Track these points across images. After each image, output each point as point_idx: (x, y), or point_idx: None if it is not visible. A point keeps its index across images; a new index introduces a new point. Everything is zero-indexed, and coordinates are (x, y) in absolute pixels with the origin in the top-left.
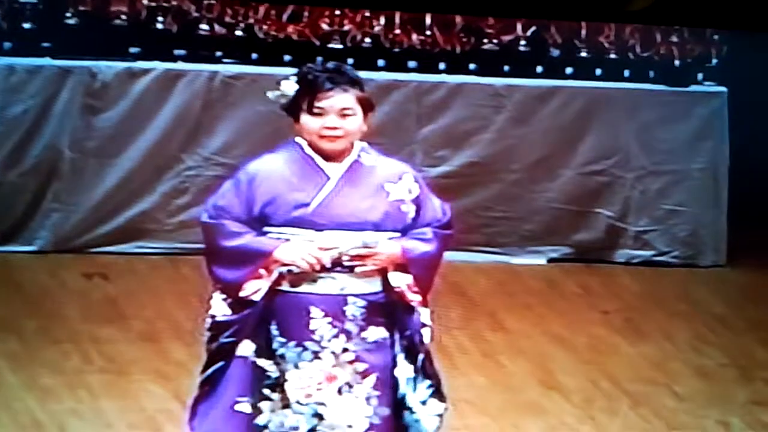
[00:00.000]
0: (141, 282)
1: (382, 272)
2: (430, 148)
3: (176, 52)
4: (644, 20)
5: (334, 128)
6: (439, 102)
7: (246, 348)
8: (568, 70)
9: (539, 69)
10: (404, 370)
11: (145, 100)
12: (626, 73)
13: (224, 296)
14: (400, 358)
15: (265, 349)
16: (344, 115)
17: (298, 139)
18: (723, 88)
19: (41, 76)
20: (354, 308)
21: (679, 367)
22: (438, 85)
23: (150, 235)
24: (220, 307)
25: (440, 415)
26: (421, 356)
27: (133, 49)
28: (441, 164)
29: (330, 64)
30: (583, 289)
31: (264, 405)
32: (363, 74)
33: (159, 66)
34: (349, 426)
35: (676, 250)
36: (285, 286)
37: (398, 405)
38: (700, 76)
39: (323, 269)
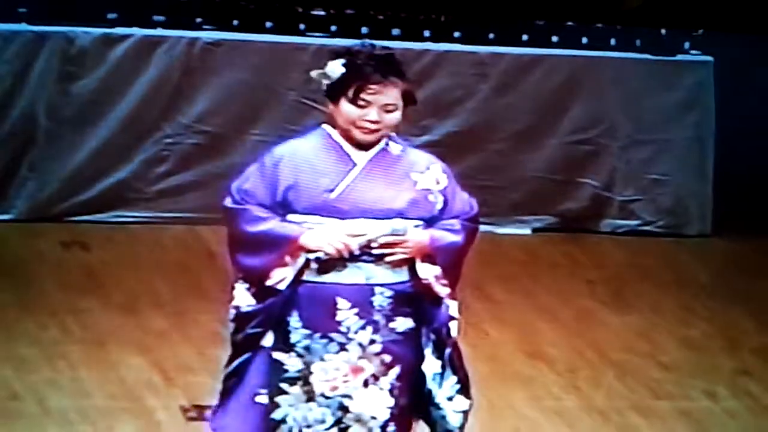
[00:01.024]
0: (120, 251)
1: (410, 262)
2: (414, 116)
3: (155, 18)
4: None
5: (375, 122)
6: (423, 70)
7: (269, 339)
8: (554, 39)
9: (525, 37)
10: (431, 365)
11: (123, 67)
12: (612, 41)
13: (248, 285)
14: (428, 352)
15: (283, 342)
16: (387, 110)
17: (326, 126)
18: (709, 58)
19: (17, 41)
20: (381, 298)
21: (665, 337)
22: (422, 53)
23: (129, 203)
24: (243, 297)
25: (465, 412)
26: (448, 350)
27: (110, 15)
28: (424, 133)
29: (379, 51)
30: (568, 259)
31: (281, 399)
32: (345, 42)
33: (137, 32)
34: (373, 417)
35: (662, 220)
36: (309, 276)
37: (424, 400)
38: (686, 45)
39: (350, 257)
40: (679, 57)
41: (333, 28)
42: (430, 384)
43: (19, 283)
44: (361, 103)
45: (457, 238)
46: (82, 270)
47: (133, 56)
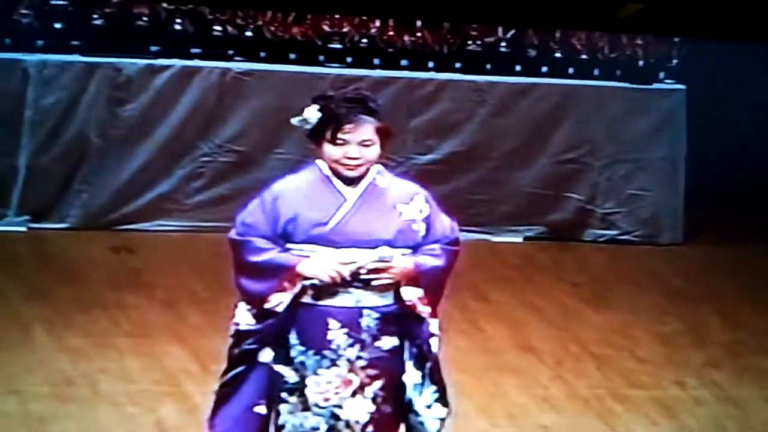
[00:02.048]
0: (162, 255)
1: (395, 286)
2: (420, 137)
3: (192, 50)
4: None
5: (355, 158)
6: (428, 96)
7: (266, 355)
8: (544, 69)
9: (518, 68)
10: (412, 376)
11: (165, 94)
12: (595, 71)
13: (249, 307)
14: (409, 365)
15: (284, 357)
16: (365, 145)
17: (318, 162)
18: (682, 86)
19: (71, 70)
20: (369, 320)
21: (641, 334)
22: (427, 82)
23: (169, 214)
24: (244, 317)
25: (443, 419)
26: (428, 364)
27: (153, 48)
28: (429, 152)
29: (350, 93)
30: (556, 263)
31: (282, 407)
32: (359, 71)
33: (177, 63)
34: (356, 421)
35: (639, 230)
36: (306, 299)
37: (405, 408)
38: (661, 74)
39: (342, 283)
40: (655, 86)
41: (348, 59)
42: (411, 393)
43: (74, 283)
44: (339, 142)
45: (439, 262)
46: (129, 271)
47: (173, 84)
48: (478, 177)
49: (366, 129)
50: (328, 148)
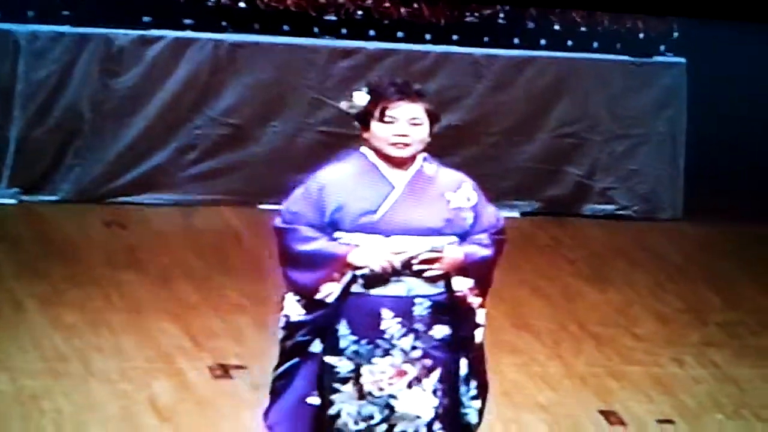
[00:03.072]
0: (155, 230)
1: (445, 276)
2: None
3: (185, 21)
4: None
5: (404, 135)
6: (425, 71)
7: (317, 346)
8: (542, 42)
9: (516, 40)
10: (461, 367)
11: (158, 65)
12: (595, 44)
13: (298, 298)
14: (461, 355)
15: (334, 347)
16: (413, 124)
17: (364, 149)
18: (682, 59)
19: (62, 42)
20: (421, 308)
21: (639, 311)
22: (424, 56)
23: (162, 187)
24: (294, 308)
25: (481, 411)
26: (472, 354)
27: (145, 18)
28: None
29: (398, 79)
30: (554, 240)
31: (335, 397)
32: (355, 44)
33: (170, 34)
34: (418, 417)
35: (638, 205)
36: (356, 288)
37: (455, 399)
38: (662, 47)
39: (393, 272)
40: (655, 59)
41: (343, 31)
42: (460, 384)
43: (66, 258)
44: (388, 119)
45: (488, 252)
46: (122, 246)
47: (167, 56)
48: (476, 152)
49: (415, 107)
50: (376, 128)
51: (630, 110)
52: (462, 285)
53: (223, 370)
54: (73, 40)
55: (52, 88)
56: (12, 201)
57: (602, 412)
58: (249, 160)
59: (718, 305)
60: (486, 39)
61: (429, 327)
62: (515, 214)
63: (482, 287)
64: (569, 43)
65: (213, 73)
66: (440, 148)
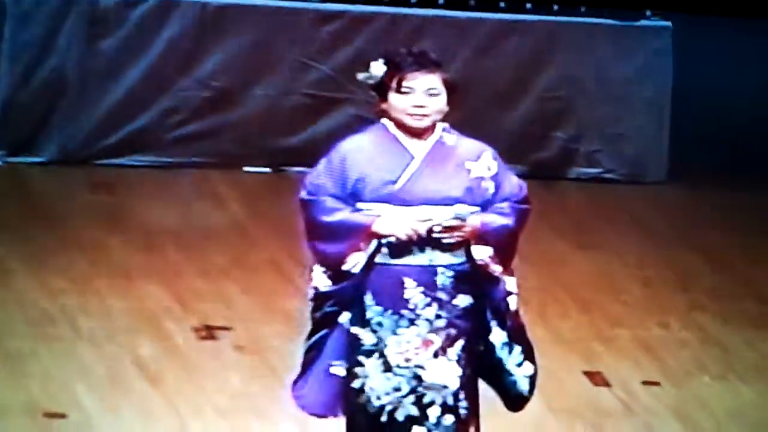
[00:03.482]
0: (140, 192)
1: (465, 245)
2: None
3: None
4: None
5: (422, 106)
6: (410, 34)
7: (344, 317)
8: (528, 5)
9: (502, 4)
10: (498, 336)
11: (143, 28)
12: (582, 8)
13: (324, 269)
14: (493, 324)
15: (360, 318)
16: (431, 95)
17: (384, 121)
18: (668, 23)
19: (47, 5)
20: (443, 278)
21: (625, 276)
22: (408, 19)
23: (147, 148)
24: (321, 279)
25: (532, 376)
26: (509, 322)
27: None
28: None
29: (415, 49)
30: (540, 203)
31: (359, 370)
32: (340, 6)
33: None
34: (444, 386)
35: (623, 169)
36: (379, 259)
37: (495, 368)
38: (648, 12)
39: (416, 242)
40: (642, 22)
41: None
42: (500, 353)
43: (52, 220)
44: (405, 90)
45: (508, 221)
46: (108, 208)
47: (151, 18)
48: (462, 117)
49: (432, 78)
50: (394, 99)
51: (616, 74)
52: (481, 253)
53: (208, 332)
54: (58, 3)
55: (37, 50)
56: None
57: (587, 373)
58: (234, 122)
59: (703, 269)
60: (472, 2)
61: (452, 296)
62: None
63: (503, 256)
64: (555, 7)
65: (198, 35)
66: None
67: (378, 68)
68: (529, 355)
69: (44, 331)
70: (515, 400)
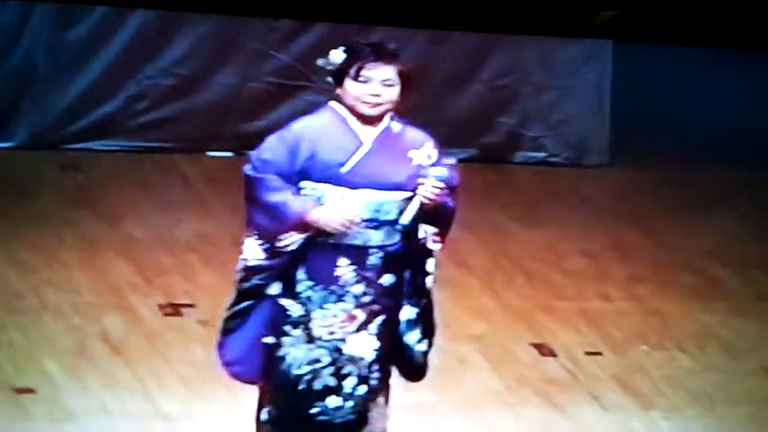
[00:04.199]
0: (108, 174)
1: (413, 225)
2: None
3: None
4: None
5: (377, 95)
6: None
7: (274, 289)
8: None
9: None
10: (407, 312)
11: (110, 18)
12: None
13: (261, 242)
14: (405, 302)
15: (290, 291)
16: (386, 85)
17: (333, 103)
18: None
19: None
20: (374, 258)
21: (568, 249)
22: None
23: (114, 134)
24: (254, 252)
25: (425, 353)
26: (423, 301)
27: None
28: None
29: (374, 39)
30: (488, 184)
31: (285, 340)
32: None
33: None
34: (362, 358)
35: (567, 152)
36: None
37: (398, 342)
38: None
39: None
40: None
41: None
42: (403, 329)
43: (22, 200)
44: (363, 79)
45: (451, 202)
46: (76, 189)
47: (117, 8)
48: (415, 102)
49: (388, 69)
50: (350, 86)
51: (559, 63)
52: (427, 231)
53: (173, 308)
54: None
55: (7, 37)
56: None
57: (534, 345)
58: (197, 109)
59: (641, 243)
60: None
61: (379, 275)
62: (452, 160)
63: (443, 233)
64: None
65: (163, 25)
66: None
67: (338, 55)
68: (428, 333)
69: (11, 303)
70: (413, 372)
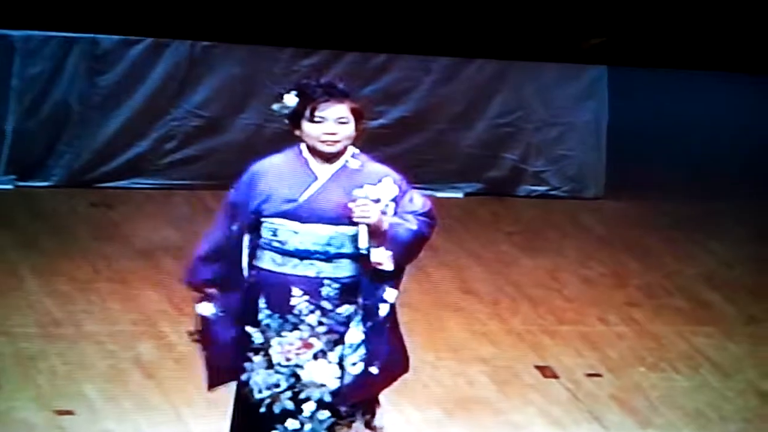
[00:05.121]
0: (138, 210)
1: (362, 254)
2: (372, 103)
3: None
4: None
5: (333, 134)
6: (379, 67)
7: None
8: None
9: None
10: (352, 335)
11: (138, 64)
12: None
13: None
14: (353, 324)
15: (253, 318)
16: (340, 122)
17: (301, 144)
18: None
19: (52, 43)
20: (329, 289)
21: (568, 276)
22: (378, 54)
23: (144, 172)
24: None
25: (359, 376)
26: (369, 324)
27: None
28: (380, 117)
29: (323, 79)
30: (493, 215)
31: (247, 365)
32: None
33: (149, 38)
34: (323, 385)
35: (566, 186)
36: (270, 266)
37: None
38: None
39: (304, 255)
40: None
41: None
42: (344, 351)
43: (59, 234)
44: (317, 120)
45: (412, 226)
46: (108, 224)
47: (147, 55)
48: (424, 139)
49: (341, 108)
50: (307, 127)
51: (559, 102)
52: (380, 256)
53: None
54: (62, 42)
55: (44, 84)
56: (9, 186)
57: (538, 367)
58: (221, 148)
59: (637, 270)
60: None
61: (336, 305)
62: (459, 194)
63: (402, 258)
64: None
65: (188, 70)
66: (391, 135)
67: (291, 99)
68: (371, 359)
69: (51, 331)
70: (335, 394)
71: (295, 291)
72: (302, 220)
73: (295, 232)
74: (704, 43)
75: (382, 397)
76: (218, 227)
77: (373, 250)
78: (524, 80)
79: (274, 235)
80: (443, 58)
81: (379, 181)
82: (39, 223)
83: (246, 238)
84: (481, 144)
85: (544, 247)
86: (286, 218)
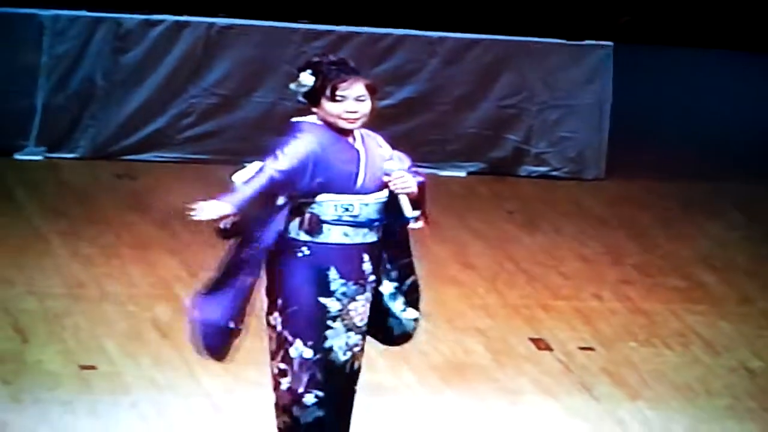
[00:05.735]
0: (158, 181)
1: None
2: (379, 84)
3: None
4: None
5: (354, 111)
6: (387, 49)
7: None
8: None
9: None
10: (387, 286)
11: (159, 44)
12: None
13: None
14: (387, 280)
15: (324, 290)
16: (360, 101)
17: (314, 119)
18: (609, 42)
19: (79, 23)
20: (378, 250)
21: (565, 254)
22: (385, 36)
23: (163, 146)
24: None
25: (417, 320)
26: (406, 274)
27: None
28: (387, 98)
29: (334, 57)
30: (494, 194)
31: (328, 333)
32: (326, 26)
33: (169, 17)
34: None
35: (567, 167)
36: (342, 240)
37: (382, 314)
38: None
39: (368, 224)
40: (586, 41)
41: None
42: (387, 300)
43: (84, 203)
44: (339, 98)
45: (421, 178)
46: (131, 194)
47: (167, 36)
48: (429, 120)
49: (359, 86)
50: (328, 106)
51: (562, 84)
52: (413, 213)
53: None
54: (88, 22)
55: (71, 61)
56: (39, 157)
57: (532, 339)
58: (235, 124)
59: (633, 249)
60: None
61: (379, 264)
62: (462, 173)
63: (424, 212)
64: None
65: (205, 50)
66: (397, 115)
67: (307, 78)
68: (413, 304)
69: (76, 292)
70: (400, 338)
71: (365, 257)
72: (368, 192)
73: (366, 204)
74: (709, 21)
75: (383, 361)
76: (255, 200)
77: (406, 207)
78: (528, 63)
79: (346, 210)
80: (449, 40)
81: (382, 145)
82: (66, 191)
83: (283, 214)
84: (485, 125)
85: (543, 225)
86: (358, 194)
